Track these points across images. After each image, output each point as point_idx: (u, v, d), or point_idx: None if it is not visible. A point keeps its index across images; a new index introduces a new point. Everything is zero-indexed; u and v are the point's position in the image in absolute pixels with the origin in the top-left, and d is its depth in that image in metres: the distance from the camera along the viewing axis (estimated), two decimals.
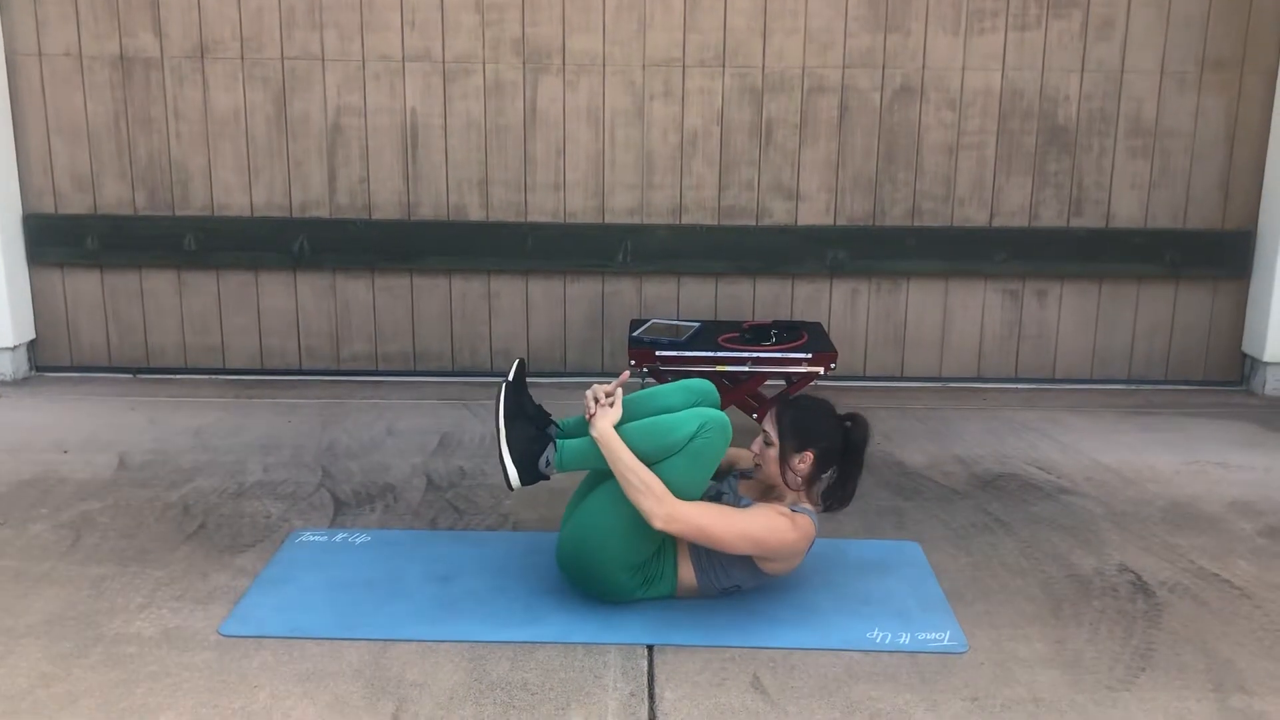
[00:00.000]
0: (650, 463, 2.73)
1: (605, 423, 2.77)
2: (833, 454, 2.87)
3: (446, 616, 2.87)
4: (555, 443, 2.88)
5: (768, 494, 2.94)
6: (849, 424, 2.90)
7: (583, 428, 2.95)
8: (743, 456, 3.12)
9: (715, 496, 2.96)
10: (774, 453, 2.87)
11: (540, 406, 2.97)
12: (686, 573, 2.91)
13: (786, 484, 2.88)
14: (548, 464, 2.86)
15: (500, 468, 2.85)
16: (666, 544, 2.91)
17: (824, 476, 2.90)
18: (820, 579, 3.10)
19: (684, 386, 2.99)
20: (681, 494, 2.72)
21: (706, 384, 3.02)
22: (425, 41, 4.85)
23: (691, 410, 2.80)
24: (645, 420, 2.83)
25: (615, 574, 2.84)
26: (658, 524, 2.66)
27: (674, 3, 4.82)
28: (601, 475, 2.86)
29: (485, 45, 4.86)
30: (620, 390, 2.89)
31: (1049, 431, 4.51)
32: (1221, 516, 3.65)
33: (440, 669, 2.63)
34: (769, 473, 2.89)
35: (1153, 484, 3.94)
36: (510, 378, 2.91)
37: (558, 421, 2.98)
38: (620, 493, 2.74)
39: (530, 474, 2.86)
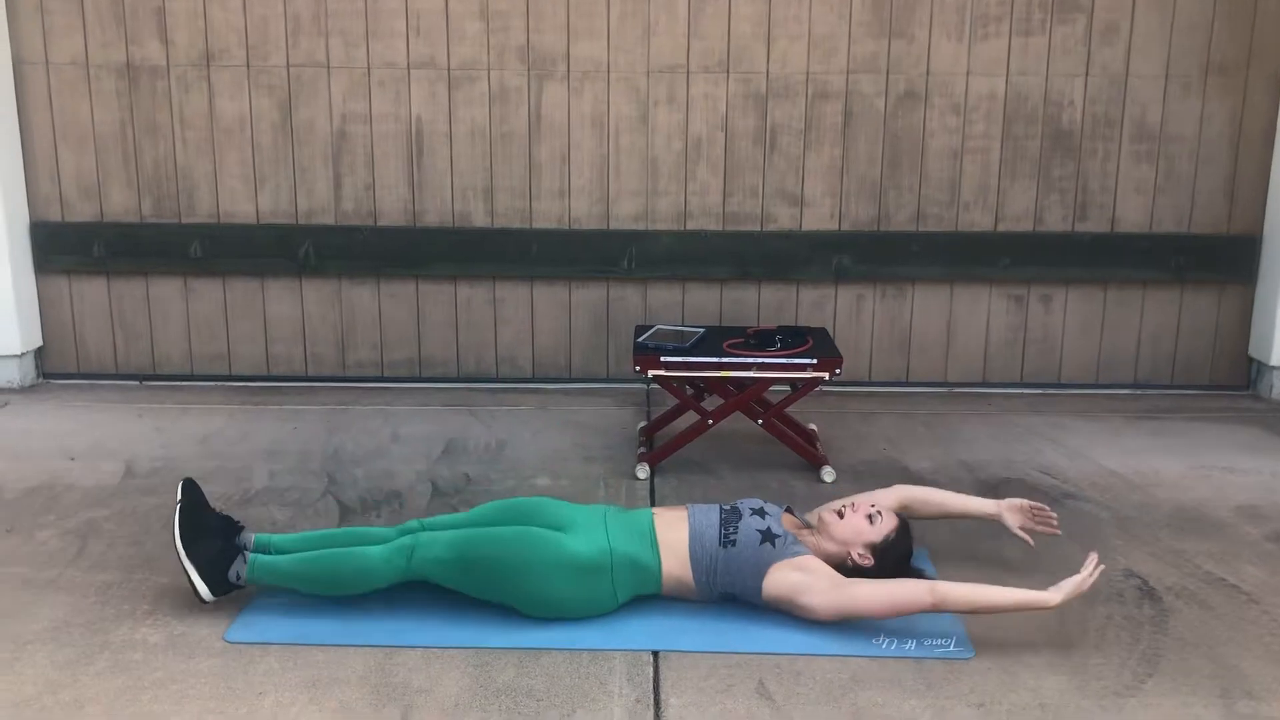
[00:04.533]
0: (332, 591, 2.90)
1: (1059, 598, 2.74)
2: (873, 571, 2.92)
3: (452, 623, 2.87)
4: (245, 555, 2.91)
5: (800, 531, 3.01)
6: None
7: (287, 545, 2.99)
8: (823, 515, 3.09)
9: (759, 512, 2.96)
10: (865, 530, 2.91)
11: (227, 517, 3.00)
12: (673, 566, 2.90)
13: (839, 547, 2.93)
14: (238, 576, 2.90)
15: (189, 586, 2.91)
16: (635, 531, 2.92)
17: (849, 572, 2.95)
18: None
19: (393, 530, 3.05)
20: (491, 556, 2.81)
21: (411, 523, 3.06)
22: (430, 49, 4.86)
23: (382, 550, 2.88)
24: (336, 551, 2.92)
25: (588, 604, 2.86)
26: (944, 609, 2.77)
27: (678, 9, 4.83)
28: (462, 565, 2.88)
29: (490, 52, 4.87)
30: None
31: (1054, 437, 4.50)
32: (1228, 521, 3.64)
33: (446, 675, 2.63)
34: (842, 536, 2.92)
35: (1159, 489, 3.93)
36: (179, 499, 2.92)
37: (244, 527, 3.01)
38: (497, 581, 2.84)
39: (221, 586, 2.89)
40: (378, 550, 2.87)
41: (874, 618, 2.80)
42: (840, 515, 2.96)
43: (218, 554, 2.89)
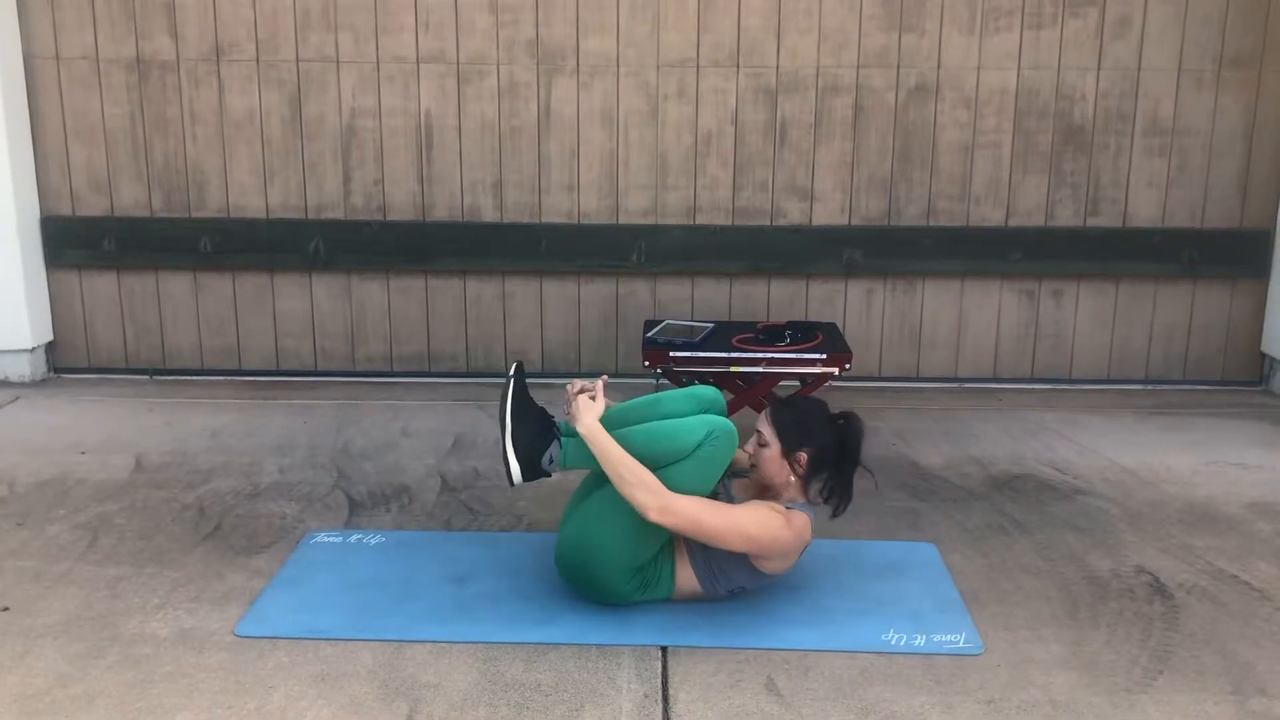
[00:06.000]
0: (655, 468, 2.72)
1: (590, 418, 2.75)
2: (828, 453, 2.87)
3: (461, 617, 2.87)
4: (560, 440, 2.88)
5: (764, 493, 2.94)
6: (842, 422, 2.90)
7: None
8: (738, 457, 3.10)
9: (711, 495, 2.94)
10: (769, 452, 2.87)
11: (542, 409, 2.96)
12: (685, 576, 2.90)
13: (782, 483, 2.88)
14: (551, 461, 2.86)
15: (503, 464, 2.86)
16: (664, 547, 2.91)
17: (821, 475, 2.90)
18: (835, 580, 3.09)
19: (691, 394, 2.99)
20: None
21: (713, 391, 3.02)
22: (439, 43, 4.86)
23: (699, 417, 2.80)
24: (650, 424, 2.83)
25: (613, 577, 2.84)
26: (652, 516, 2.64)
27: (688, 3, 4.81)
28: (601, 478, 2.86)
29: (499, 46, 4.86)
30: (601, 385, 2.87)
31: (1065, 432, 4.49)
32: (1240, 517, 3.62)
33: (454, 670, 2.63)
34: (765, 472, 2.89)
35: (1170, 485, 3.91)
36: (512, 375, 2.90)
37: (558, 422, 2.97)
38: (618, 496, 2.73)
39: (533, 471, 2.86)
40: (690, 422, 2.77)
41: (697, 512, 2.68)
42: (755, 466, 2.91)
43: (534, 439, 2.85)
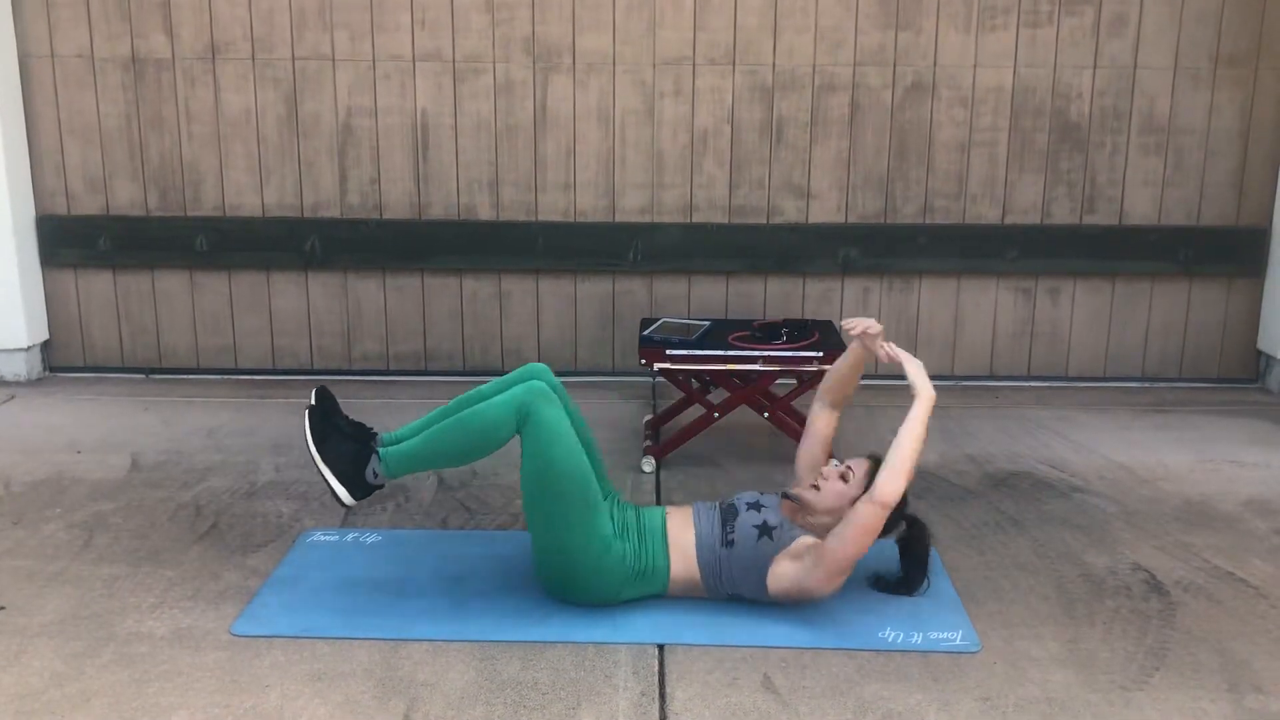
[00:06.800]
0: (468, 458, 2.80)
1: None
2: (887, 528, 2.83)
3: (457, 616, 2.87)
4: (378, 452, 2.86)
5: (801, 518, 2.92)
6: (906, 521, 2.91)
7: (412, 433, 2.94)
8: (815, 468, 3.04)
9: (755, 505, 2.91)
10: (842, 488, 2.84)
11: (358, 423, 2.96)
12: (684, 566, 2.87)
13: (829, 522, 2.84)
14: (375, 475, 2.86)
15: (329, 492, 2.88)
16: (647, 531, 2.89)
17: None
18: None
19: (505, 379, 3.00)
20: (568, 473, 2.74)
21: (534, 367, 3.01)
22: (435, 41, 4.85)
23: (505, 395, 2.80)
24: (460, 415, 2.84)
25: (596, 577, 2.82)
26: (893, 500, 2.67)
27: (684, 1, 4.81)
28: (523, 485, 2.83)
29: (495, 45, 4.86)
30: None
31: (1062, 430, 4.49)
32: (1237, 515, 3.63)
33: (451, 669, 2.63)
34: (824, 502, 2.85)
35: (1167, 482, 3.91)
36: (312, 402, 2.90)
37: (379, 433, 2.96)
38: (543, 499, 2.76)
39: (360, 488, 2.86)
40: (496, 401, 2.80)
41: (860, 555, 2.71)
42: (817, 488, 2.88)
43: (353, 455, 2.85)
